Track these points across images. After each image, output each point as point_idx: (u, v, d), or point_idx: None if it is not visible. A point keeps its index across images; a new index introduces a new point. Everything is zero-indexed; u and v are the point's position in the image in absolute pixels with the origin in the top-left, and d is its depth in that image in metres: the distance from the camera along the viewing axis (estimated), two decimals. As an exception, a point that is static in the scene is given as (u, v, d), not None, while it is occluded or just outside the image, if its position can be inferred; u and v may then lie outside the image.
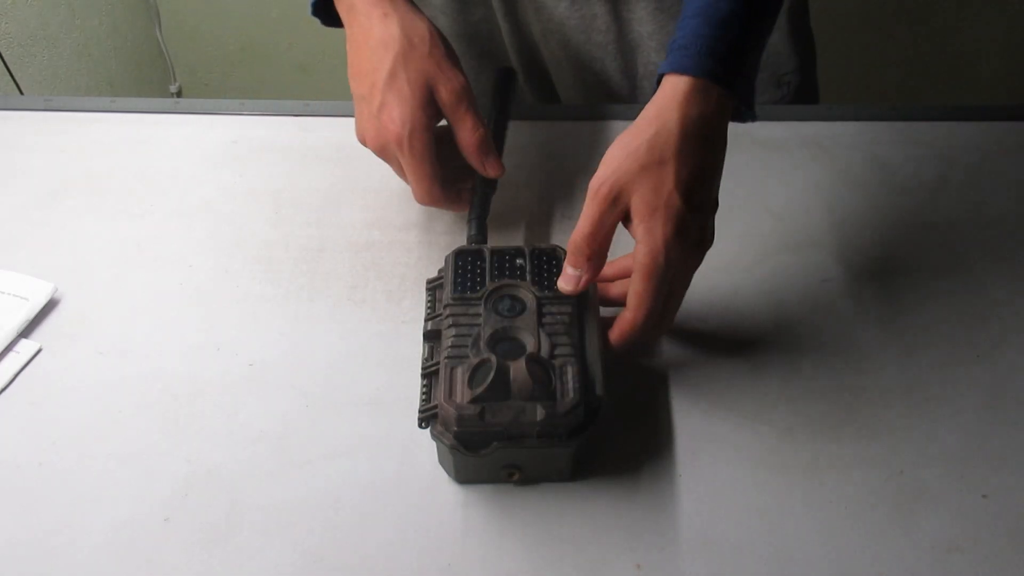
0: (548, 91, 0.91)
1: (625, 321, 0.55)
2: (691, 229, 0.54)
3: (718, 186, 0.57)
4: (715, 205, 0.57)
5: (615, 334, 0.56)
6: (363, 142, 0.64)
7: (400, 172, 0.64)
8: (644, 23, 0.80)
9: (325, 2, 0.68)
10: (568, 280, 0.56)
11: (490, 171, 0.65)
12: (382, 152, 0.64)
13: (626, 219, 0.55)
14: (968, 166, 0.75)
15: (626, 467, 0.56)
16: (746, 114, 0.60)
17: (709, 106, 0.55)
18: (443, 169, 0.64)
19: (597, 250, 0.55)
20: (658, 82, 0.57)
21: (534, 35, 0.84)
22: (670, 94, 0.55)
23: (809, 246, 0.69)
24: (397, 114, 0.61)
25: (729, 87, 0.55)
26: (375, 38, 0.63)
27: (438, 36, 0.64)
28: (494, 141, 0.68)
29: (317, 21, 0.71)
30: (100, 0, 1.61)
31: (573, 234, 0.55)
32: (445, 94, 0.62)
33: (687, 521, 0.53)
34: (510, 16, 0.83)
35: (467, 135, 0.63)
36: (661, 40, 0.81)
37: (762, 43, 0.59)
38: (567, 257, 0.56)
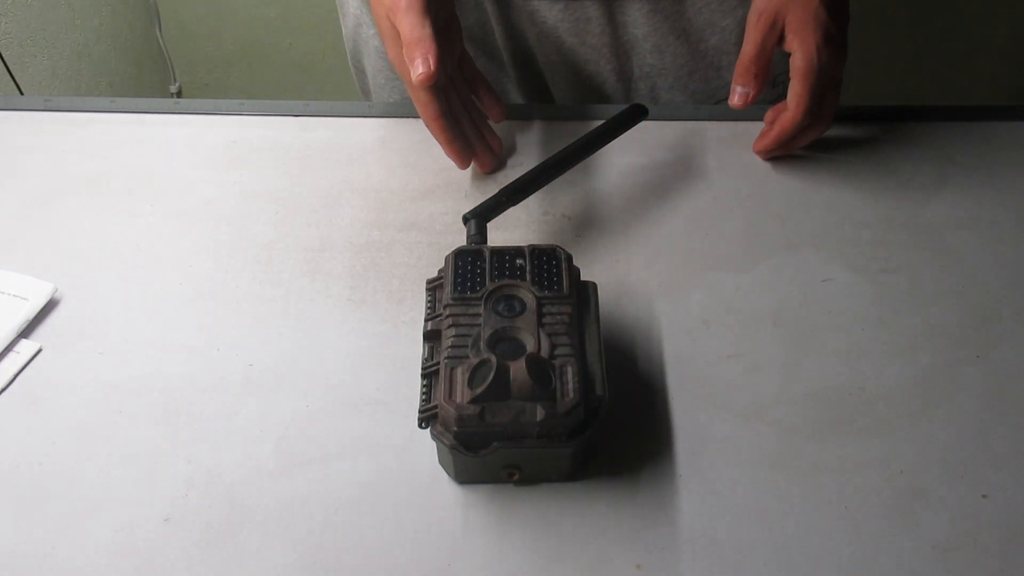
0: (542, 94, 0.91)
1: (785, 120, 0.66)
2: (835, 37, 0.65)
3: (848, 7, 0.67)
4: (848, 17, 0.68)
5: (774, 133, 0.68)
6: (396, 69, 0.69)
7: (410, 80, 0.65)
8: (638, 25, 0.80)
9: None
10: (739, 96, 0.68)
11: (414, 72, 0.64)
12: (397, 60, 0.67)
13: (780, 41, 0.66)
14: (968, 166, 0.75)
15: (626, 467, 0.56)
16: None
17: None
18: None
19: (763, 68, 0.67)
20: None
21: (528, 39, 0.84)
22: None
23: (809, 246, 0.69)
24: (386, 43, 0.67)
25: None
26: None
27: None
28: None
29: (317, 21, 0.71)
30: (100, 0, 1.61)
31: (739, 58, 0.68)
32: (388, 13, 0.65)
33: (687, 521, 0.53)
34: (504, 20, 0.83)
35: (402, 44, 0.64)
36: (655, 42, 0.81)
37: None
38: (736, 79, 0.68)
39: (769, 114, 0.71)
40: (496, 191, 0.66)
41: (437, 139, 0.69)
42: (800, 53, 0.65)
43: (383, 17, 0.67)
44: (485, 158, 0.73)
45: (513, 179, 0.67)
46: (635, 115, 0.73)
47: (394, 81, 0.92)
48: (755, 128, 0.78)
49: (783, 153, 0.71)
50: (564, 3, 0.79)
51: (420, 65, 0.64)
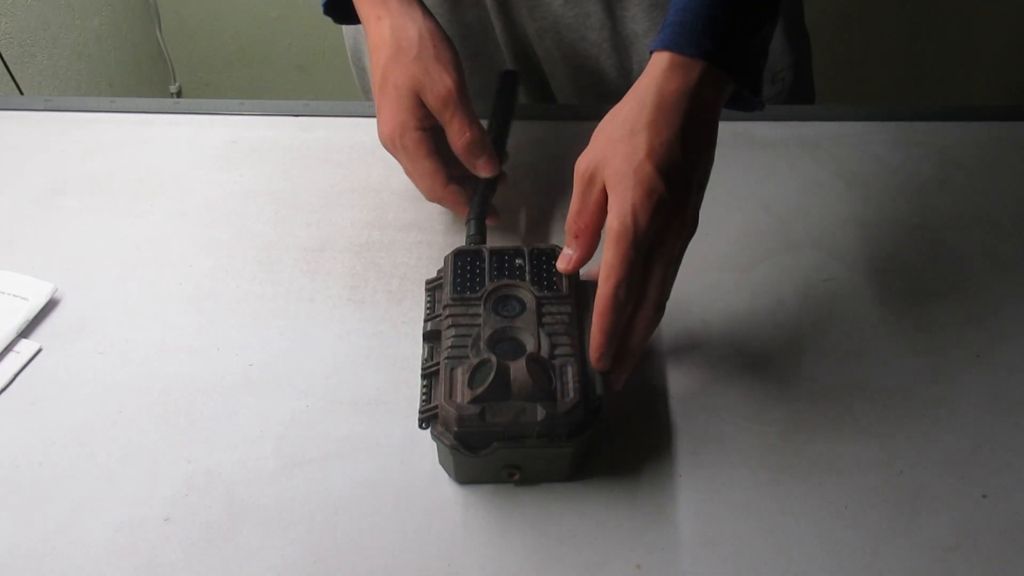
0: (542, 90, 0.91)
1: (599, 298, 0.52)
2: (665, 198, 0.52)
3: (704, 166, 0.55)
4: (700, 186, 0.55)
5: (594, 323, 0.52)
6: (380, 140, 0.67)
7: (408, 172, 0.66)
8: (638, 21, 0.80)
9: (338, 1, 0.69)
10: (561, 259, 0.56)
11: (481, 171, 0.65)
12: (388, 151, 0.66)
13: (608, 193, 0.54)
14: (968, 166, 0.75)
15: (626, 467, 0.56)
16: (752, 100, 0.59)
17: (690, 81, 0.54)
18: (453, 169, 0.65)
19: (584, 228, 0.55)
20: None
21: (528, 34, 0.84)
22: (650, 70, 0.55)
23: (809, 246, 0.69)
24: (388, 116, 0.64)
25: (719, 64, 0.54)
26: (372, 42, 0.65)
27: (430, 36, 0.64)
28: (495, 145, 0.68)
29: (317, 21, 0.71)
30: (100, 0, 1.61)
31: (567, 216, 0.56)
32: (431, 98, 0.63)
33: (687, 521, 0.53)
34: (504, 15, 0.83)
35: (455, 137, 0.64)
36: (655, 37, 0.81)
37: (762, 24, 0.58)
38: (566, 240, 0.57)
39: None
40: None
41: (449, 206, 0.67)
42: (614, 212, 0.52)
43: (402, 86, 0.63)
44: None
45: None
46: (509, 82, 0.74)
47: None
48: (756, 128, 0.78)
49: (628, 362, 0.54)
50: None
51: (486, 167, 0.65)
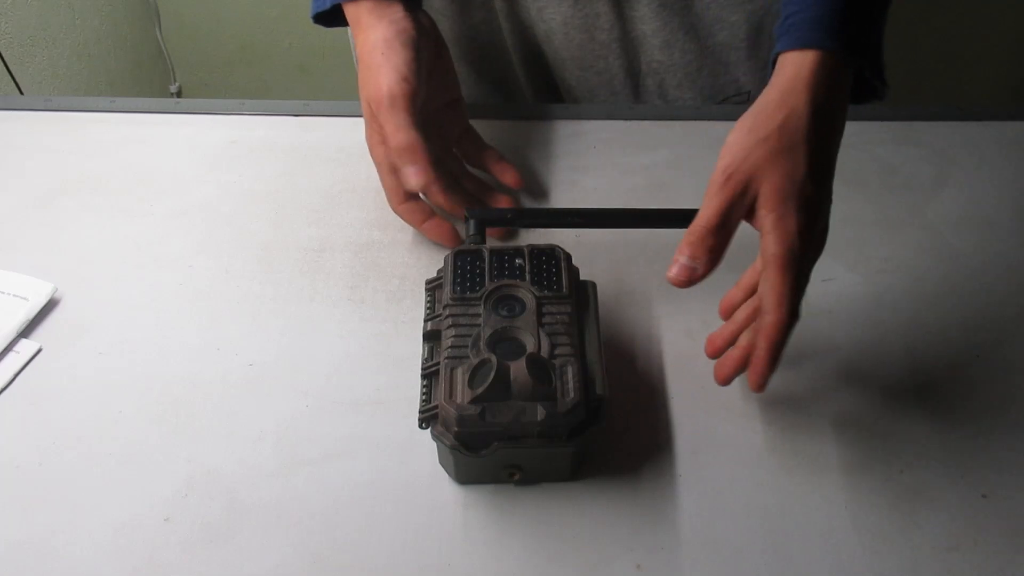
0: (550, 91, 0.91)
1: (770, 326, 0.49)
2: (821, 218, 0.50)
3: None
4: (831, 195, 0.53)
5: (765, 349, 0.49)
6: (372, 156, 0.67)
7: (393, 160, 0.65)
8: (647, 21, 0.80)
9: (330, 11, 0.69)
10: (682, 271, 0.51)
11: (408, 179, 0.62)
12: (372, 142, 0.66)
13: (750, 214, 0.51)
14: (968, 166, 0.75)
15: (626, 467, 0.56)
16: (880, 88, 0.57)
17: (837, 83, 0.52)
18: (453, 165, 0.66)
19: (721, 243, 0.51)
20: (773, 63, 0.55)
21: (536, 35, 0.84)
22: (794, 73, 0.52)
23: (809, 246, 0.69)
24: (365, 133, 0.66)
25: (859, 55, 0.52)
26: (373, 40, 0.65)
27: (384, 43, 0.63)
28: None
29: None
30: (100, 0, 1.61)
31: (694, 224, 0.51)
32: (372, 104, 0.63)
33: (687, 521, 0.53)
34: (512, 17, 0.83)
35: (388, 141, 0.63)
36: (664, 38, 0.81)
37: (884, 8, 0.56)
38: (683, 247, 0.51)
39: (726, 328, 0.55)
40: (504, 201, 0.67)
41: (407, 221, 0.67)
42: (778, 236, 0.49)
43: (363, 100, 0.64)
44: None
45: (529, 205, 0.67)
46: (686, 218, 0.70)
47: None
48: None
49: (774, 371, 0.51)
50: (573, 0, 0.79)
51: (412, 176, 0.62)
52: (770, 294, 0.49)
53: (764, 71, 0.82)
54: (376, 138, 0.64)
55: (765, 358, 0.50)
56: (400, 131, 0.62)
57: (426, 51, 0.65)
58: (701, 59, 0.83)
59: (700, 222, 0.51)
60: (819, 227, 0.51)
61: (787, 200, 0.49)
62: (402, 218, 0.67)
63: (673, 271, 0.51)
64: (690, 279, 0.51)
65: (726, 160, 0.52)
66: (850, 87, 0.54)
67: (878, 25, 0.56)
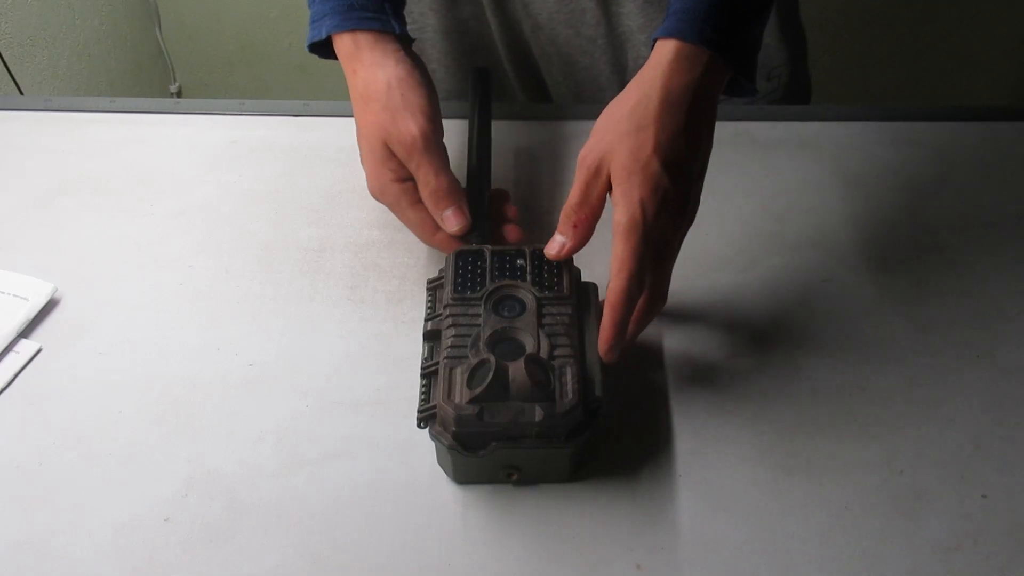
0: (537, 87, 0.91)
1: (611, 291, 0.53)
2: (670, 192, 0.54)
3: (705, 156, 0.57)
4: (700, 172, 0.56)
5: (606, 315, 0.53)
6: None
7: (404, 217, 0.65)
8: (633, 17, 0.80)
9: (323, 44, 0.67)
10: (552, 245, 0.57)
11: (447, 224, 0.62)
12: (379, 196, 0.65)
13: (612, 190, 0.55)
14: (968, 166, 0.75)
15: (626, 467, 0.56)
16: (746, 87, 0.60)
17: (695, 72, 0.55)
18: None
19: (584, 219, 0.56)
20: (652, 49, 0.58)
21: (524, 31, 0.84)
22: (656, 60, 0.56)
23: (809, 246, 0.69)
24: (369, 170, 0.64)
25: (720, 51, 0.55)
26: (351, 95, 0.64)
27: (398, 83, 0.62)
28: (479, 144, 0.67)
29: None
30: (100, 0, 1.61)
31: (565, 203, 0.56)
32: (398, 148, 0.62)
33: (687, 521, 0.53)
34: (499, 12, 0.83)
35: (422, 187, 0.62)
36: (650, 33, 0.81)
37: (761, 12, 0.59)
38: (558, 227, 0.57)
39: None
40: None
41: (443, 251, 0.64)
42: (622, 208, 0.53)
43: (372, 138, 0.63)
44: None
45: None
46: (482, 79, 0.73)
47: None
48: (755, 128, 0.78)
49: (626, 343, 0.55)
50: None
51: (453, 220, 0.62)
52: (613, 262, 0.53)
53: None
54: (390, 176, 0.63)
55: (606, 324, 0.53)
56: (440, 175, 0.62)
57: (434, 91, 0.65)
58: None
59: (567, 203, 0.56)
60: (669, 202, 0.54)
61: (632, 175, 0.53)
62: (438, 248, 0.65)
63: (548, 246, 0.57)
64: (559, 252, 0.57)
65: (586, 144, 0.56)
66: (720, 79, 0.57)
67: (750, 26, 0.58)
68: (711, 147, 0.57)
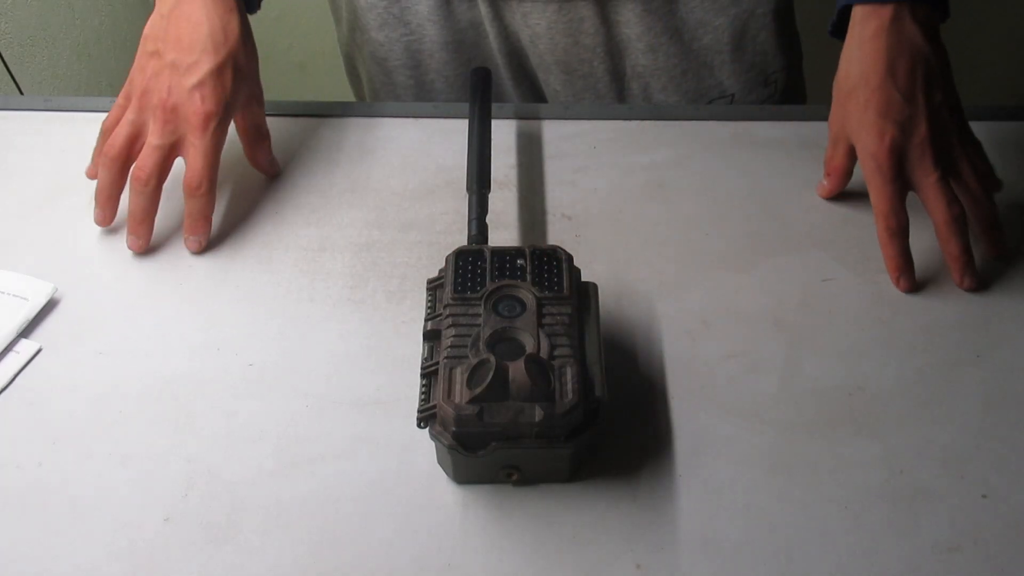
0: (535, 96, 0.91)
1: (882, 232, 0.65)
2: (896, 135, 0.64)
3: (939, 69, 0.67)
4: (941, 79, 0.67)
5: (889, 254, 0.65)
6: (140, 92, 0.69)
7: (162, 143, 0.66)
8: (632, 25, 0.80)
9: None
10: (818, 187, 0.72)
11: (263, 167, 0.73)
12: (166, 111, 0.66)
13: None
14: (968, 166, 0.75)
15: (626, 467, 0.56)
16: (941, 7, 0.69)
17: (884, 21, 0.65)
18: None
19: (836, 168, 0.70)
20: (840, 15, 0.68)
21: (522, 40, 0.84)
22: (852, 27, 0.67)
23: (809, 246, 0.69)
24: (213, 97, 0.66)
25: None
26: (214, 18, 0.68)
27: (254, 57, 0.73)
28: (480, 144, 0.68)
29: (317, 21, 0.72)
30: (100, 0, 1.61)
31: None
32: (248, 118, 0.71)
33: (687, 521, 0.53)
34: (497, 22, 0.83)
35: (263, 155, 0.73)
36: (648, 42, 0.81)
37: None
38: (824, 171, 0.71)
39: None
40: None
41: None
42: (863, 163, 0.65)
43: (153, 41, 0.69)
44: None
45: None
46: (482, 79, 0.75)
47: (389, 86, 0.92)
48: (755, 128, 0.78)
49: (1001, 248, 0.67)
50: (558, 4, 0.79)
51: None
52: (874, 207, 0.66)
53: (748, 73, 0.83)
54: (228, 95, 0.68)
55: (889, 255, 0.66)
56: (208, 165, 0.67)
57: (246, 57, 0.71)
58: (685, 62, 0.83)
59: (826, 157, 0.71)
60: (899, 139, 0.64)
61: (857, 132, 0.66)
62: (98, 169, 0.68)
63: (818, 189, 0.72)
64: (821, 192, 0.72)
65: (831, 115, 0.69)
66: (916, 10, 0.67)
67: None
68: (945, 58, 0.68)
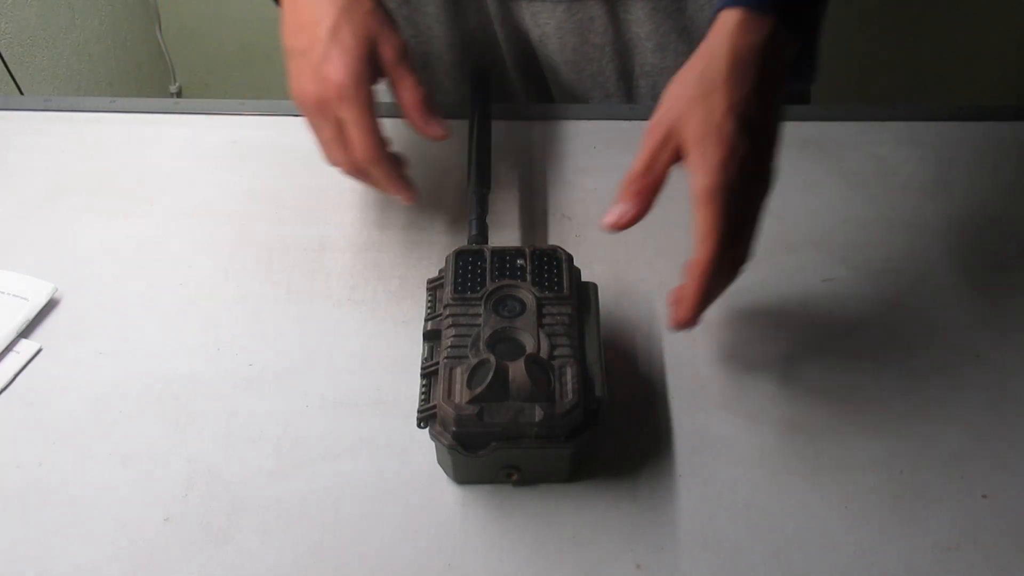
0: (544, 95, 0.91)
1: (697, 264, 0.52)
2: (748, 154, 0.52)
3: (776, 123, 0.55)
4: (774, 138, 0.54)
5: (692, 286, 0.52)
6: (300, 99, 0.62)
7: (332, 135, 0.62)
8: (641, 24, 0.80)
9: None
10: (612, 213, 0.55)
11: (432, 131, 0.63)
12: (320, 107, 0.61)
13: (683, 160, 0.53)
14: (968, 166, 0.75)
15: (626, 467, 0.56)
16: (805, 72, 0.59)
17: (761, 35, 0.54)
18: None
19: (647, 186, 0.54)
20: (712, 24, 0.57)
21: (531, 40, 0.84)
22: (720, 26, 0.55)
23: (809, 246, 0.69)
24: (340, 64, 0.60)
25: (784, 21, 0.54)
26: None
27: None
28: (479, 144, 0.67)
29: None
30: (100, 0, 1.61)
31: (627, 172, 0.54)
32: (388, 51, 0.61)
33: (687, 521, 0.53)
34: (506, 23, 0.83)
35: (409, 93, 0.62)
36: (658, 41, 0.81)
37: None
38: (617, 194, 0.55)
39: (674, 292, 0.56)
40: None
41: (380, 176, 0.63)
42: (700, 173, 0.51)
43: (361, 36, 0.61)
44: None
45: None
46: (482, 79, 0.74)
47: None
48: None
49: (703, 310, 0.54)
50: (568, 3, 0.79)
51: (440, 127, 0.62)
52: (697, 230, 0.51)
53: None
54: (369, 76, 0.60)
55: (690, 293, 0.52)
56: (421, 85, 0.61)
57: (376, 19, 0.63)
58: None
59: (629, 171, 0.54)
60: (747, 166, 0.52)
61: (706, 138, 0.51)
62: (378, 168, 0.62)
63: (606, 217, 0.55)
64: (618, 220, 0.54)
65: (654, 113, 0.55)
66: (785, 46, 0.55)
67: (815, 10, 0.58)
68: (782, 118, 0.55)
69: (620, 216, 0.54)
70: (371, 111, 0.60)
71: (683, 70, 0.55)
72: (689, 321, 0.53)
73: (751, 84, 0.53)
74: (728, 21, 0.54)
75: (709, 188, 0.51)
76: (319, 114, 0.62)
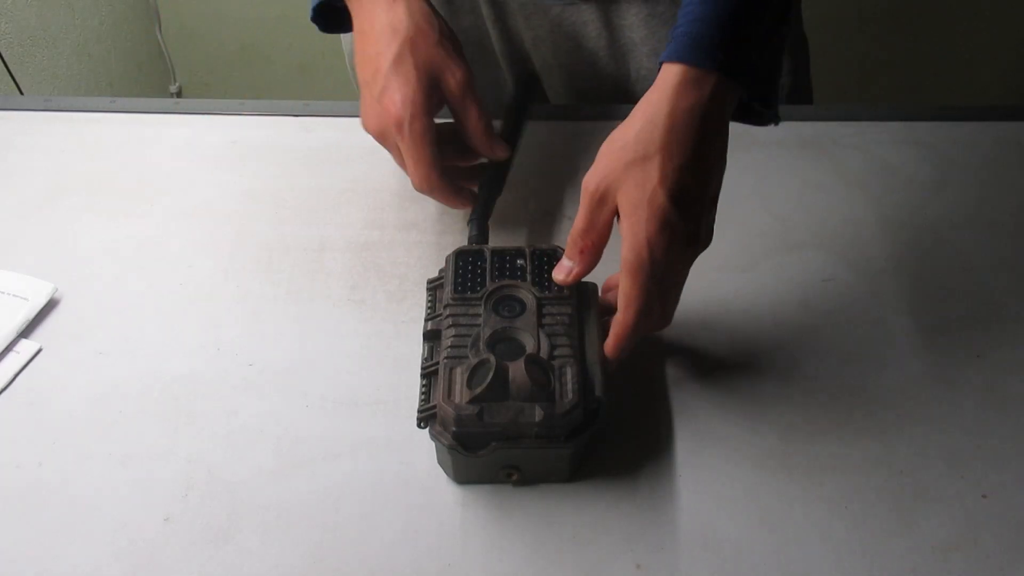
0: (541, 97, 0.91)
1: (617, 323, 0.54)
2: (678, 227, 0.52)
3: (717, 181, 0.55)
4: (712, 201, 0.55)
5: (611, 340, 0.54)
6: (365, 128, 0.64)
7: (400, 160, 0.64)
8: (635, 29, 0.80)
9: (325, 5, 0.67)
10: (560, 270, 0.56)
11: (498, 153, 0.66)
12: (381, 137, 0.63)
13: (618, 222, 0.54)
14: (968, 166, 0.75)
15: (626, 467, 0.56)
16: (766, 114, 0.58)
17: (702, 96, 0.53)
18: (444, 163, 0.63)
19: (591, 246, 0.55)
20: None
21: (525, 42, 0.84)
22: (660, 83, 0.54)
23: (809, 246, 0.69)
24: (399, 97, 0.61)
25: (729, 73, 0.53)
26: (381, 23, 0.63)
27: (446, 25, 0.64)
28: (509, 141, 0.68)
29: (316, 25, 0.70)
30: (100, 0, 1.61)
31: (572, 228, 0.55)
32: (452, 83, 0.62)
33: (687, 521, 0.53)
34: (500, 23, 0.83)
35: (473, 122, 0.64)
36: (653, 46, 0.81)
37: (773, 33, 0.57)
38: (566, 252, 0.56)
39: (611, 279, 0.60)
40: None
41: (442, 197, 0.65)
42: (629, 244, 0.52)
43: (422, 69, 0.62)
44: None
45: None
46: (530, 86, 0.75)
47: None
48: (756, 128, 0.78)
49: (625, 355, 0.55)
50: (561, 7, 0.79)
51: (503, 148, 0.66)
52: (621, 297, 0.53)
53: None
54: (432, 106, 0.62)
55: (611, 348, 0.55)
56: (486, 113, 0.64)
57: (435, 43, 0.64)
58: None
59: (573, 228, 0.55)
60: (678, 235, 0.52)
61: (637, 210, 0.52)
62: (439, 192, 0.64)
63: (554, 271, 0.57)
64: (565, 276, 0.56)
65: (591, 169, 0.54)
66: (730, 100, 0.54)
67: (764, 52, 0.56)
68: (724, 169, 0.55)
69: (567, 273, 0.56)
70: (425, 142, 0.61)
71: (622, 127, 0.54)
72: (609, 363, 0.55)
73: (688, 152, 0.53)
74: (669, 78, 0.53)
75: (634, 263, 0.52)
76: (382, 143, 0.64)
